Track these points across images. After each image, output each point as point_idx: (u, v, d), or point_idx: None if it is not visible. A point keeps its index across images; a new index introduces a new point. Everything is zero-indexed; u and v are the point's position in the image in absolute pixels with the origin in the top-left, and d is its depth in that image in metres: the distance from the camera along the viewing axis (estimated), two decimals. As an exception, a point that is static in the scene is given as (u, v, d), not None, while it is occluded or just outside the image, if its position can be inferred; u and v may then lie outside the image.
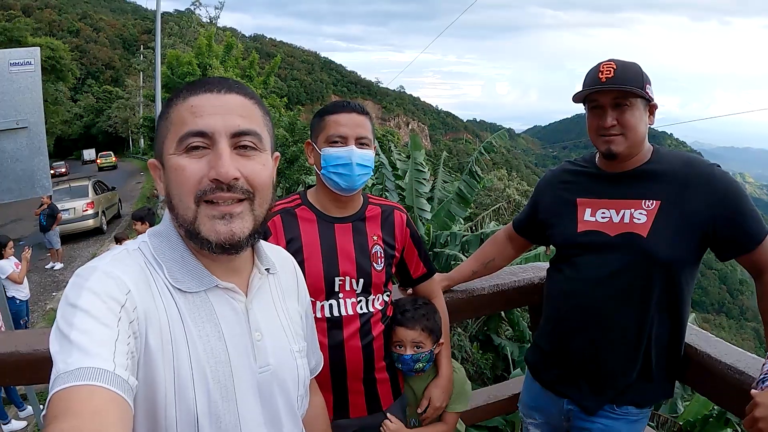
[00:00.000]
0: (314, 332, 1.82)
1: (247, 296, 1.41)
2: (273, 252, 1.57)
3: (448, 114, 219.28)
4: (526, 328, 9.29)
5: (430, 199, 12.10)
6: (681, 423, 5.47)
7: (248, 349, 1.36)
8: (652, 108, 2.25)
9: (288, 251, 2.16)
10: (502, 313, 9.96)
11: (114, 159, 59.61)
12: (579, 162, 2.52)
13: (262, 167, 1.33)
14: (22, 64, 5.02)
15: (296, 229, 2.27)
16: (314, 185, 2.42)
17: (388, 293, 2.46)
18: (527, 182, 44.05)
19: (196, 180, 1.24)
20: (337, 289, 2.27)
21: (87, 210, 21.19)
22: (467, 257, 9.47)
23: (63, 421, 0.94)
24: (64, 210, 18.67)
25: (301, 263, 2.17)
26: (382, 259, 2.36)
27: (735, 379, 2.21)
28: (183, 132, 1.25)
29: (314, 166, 2.33)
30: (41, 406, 6.41)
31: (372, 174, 2.27)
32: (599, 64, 2.23)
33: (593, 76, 2.21)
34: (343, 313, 2.27)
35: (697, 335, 2.48)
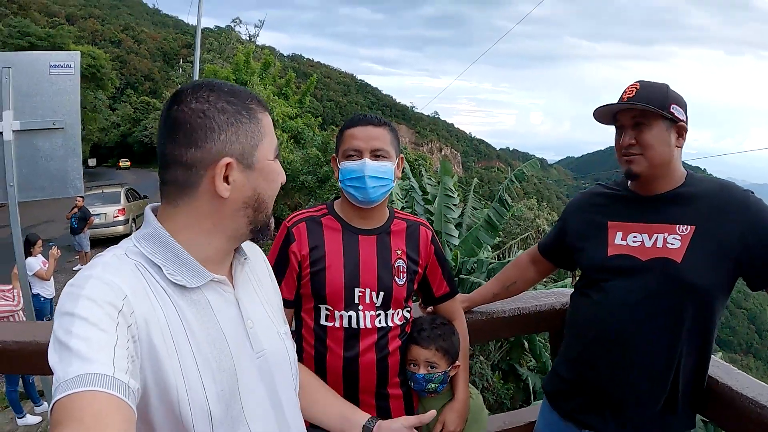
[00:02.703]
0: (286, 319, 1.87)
1: (234, 287, 1.48)
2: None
3: (481, 141, 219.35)
4: (549, 359, 9.23)
5: (458, 225, 12.12)
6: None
7: (244, 337, 1.44)
8: (680, 129, 2.21)
9: (311, 259, 2.23)
10: (525, 343, 9.91)
11: (129, 163, 71.35)
12: (611, 185, 2.48)
13: None
14: (62, 67, 5.16)
15: (320, 237, 2.29)
16: (339, 197, 2.43)
17: (408, 309, 2.44)
18: (557, 213, 43.82)
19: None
20: (356, 300, 2.27)
21: (118, 216, 21.65)
22: (492, 285, 9.45)
23: (65, 428, 0.96)
24: (95, 214, 19.03)
25: (322, 271, 2.23)
26: (405, 274, 2.35)
27: (756, 413, 2.16)
28: (276, 143, 1.47)
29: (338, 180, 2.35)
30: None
31: (392, 185, 2.28)
32: (627, 86, 2.24)
33: (619, 97, 2.22)
34: (362, 325, 2.27)
35: (719, 367, 2.42)
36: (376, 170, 2.22)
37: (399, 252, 2.36)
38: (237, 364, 1.37)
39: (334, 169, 2.37)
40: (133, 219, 23.04)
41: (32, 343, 2.22)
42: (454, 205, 11.95)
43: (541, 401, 2.81)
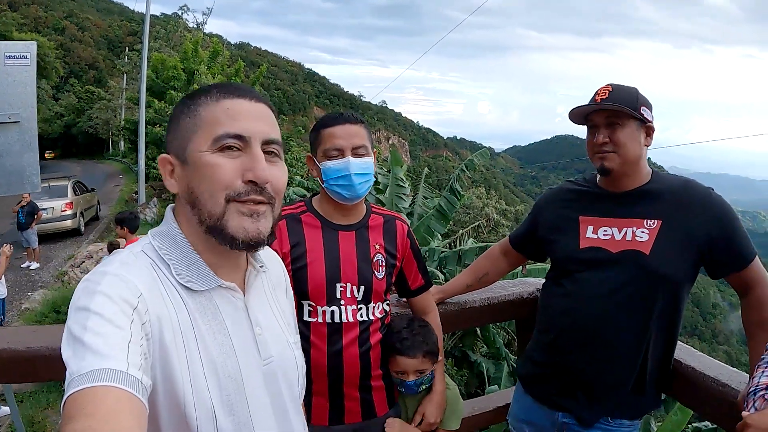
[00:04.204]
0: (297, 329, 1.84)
1: (244, 294, 1.47)
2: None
3: (428, 131, 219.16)
4: (502, 345, 9.37)
5: (409, 215, 12.14)
6: (655, 442, 5.55)
7: (251, 344, 1.43)
8: (648, 129, 2.36)
9: (292, 256, 2.23)
10: (478, 330, 10.03)
11: (53, 154, 68.79)
12: (580, 182, 2.61)
13: (282, 174, 1.41)
14: (17, 58, 4.98)
15: (301, 234, 2.33)
16: (318, 193, 2.47)
17: (388, 302, 2.51)
18: (505, 201, 44.28)
19: (230, 178, 1.30)
20: (338, 295, 2.31)
21: (66, 210, 20.78)
22: (444, 274, 9.52)
23: (77, 422, 0.96)
24: (42, 209, 18.24)
25: (304, 268, 2.26)
26: (384, 268, 2.41)
27: (719, 391, 2.32)
28: (219, 132, 1.31)
29: (317, 179, 2.38)
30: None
31: (373, 179, 2.35)
32: (599, 88, 2.35)
33: (591, 98, 2.33)
34: (344, 319, 2.32)
35: (682, 349, 2.58)
36: (361, 167, 2.28)
37: (377, 246, 2.42)
38: (243, 371, 1.38)
39: (310, 167, 2.42)
40: (81, 213, 22.27)
41: (6, 350, 2.16)
42: (405, 194, 11.99)
43: (498, 389, 2.89)
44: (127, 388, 1.03)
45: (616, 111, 2.27)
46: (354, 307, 2.34)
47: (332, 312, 2.30)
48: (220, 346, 1.34)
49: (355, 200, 2.34)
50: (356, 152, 2.29)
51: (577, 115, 2.40)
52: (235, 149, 1.32)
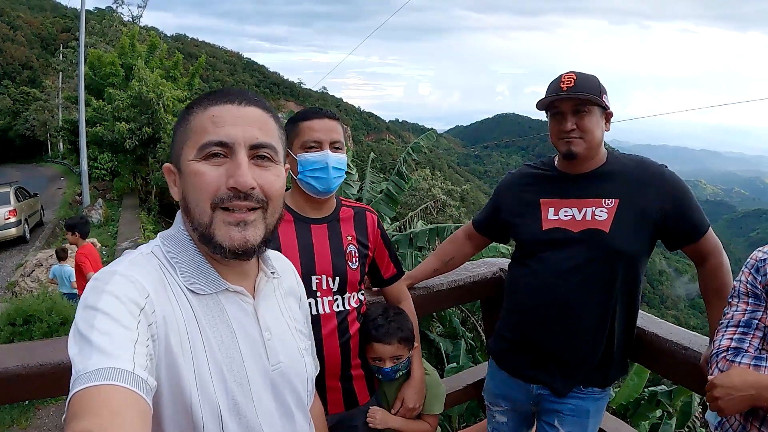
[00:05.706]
0: (312, 335, 1.83)
1: (254, 298, 1.47)
2: (274, 257, 1.63)
3: (370, 115, 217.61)
4: (458, 324, 9.49)
5: (358, 201, 12.12)
6: (614, 407, 5.72)
7: (260, 349, 1.44)
8: (608, 116, 2.48)
9: None
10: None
11: None
12: (538, 165, 2.71)
13: (276, 178, 1.39)
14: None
15: None
16: (289, 188, 2.50)
17: (362, 292, 2.57)
18: (451, 181, 44.35)
19: (214, 186, 1.31)
20: (314, 287, 2.36)
21: (9, 218, 20.02)
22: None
23: (83, 420, 0.96)
24: (-16, 219, 17.56)
25: None
26: (357, 258, 2.47)
27: (682, 354, 2.47)
28: (204, 141, 1.32)
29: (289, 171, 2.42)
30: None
31: (344, 176, 2.39)
32: (561, 75, 2.43)
33: (555, 86, 2.42)
34: (321, 311, 2.36)
35: (643, 318, 2.73)
36: (338, 161, 2.34)
37: (350, 238, 2.48)
38: (250, 376, 1.39)
39: None
40: (26, 219, 21.57)
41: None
42: (353, 181, 11.97)
43: (456, 366, 2.95)
44: (133, 388, 1.04)
45: (583, 99, 2.37)
46: (330, 298, 2.39)
47: (309, 304, 2.29)
48: (227, 350, 1.35)
49: (328, 194, 2.39)
50: (334, 146, 2.34)
51: (544, 103, 2.48)
52: (220, 156, 1.32)
